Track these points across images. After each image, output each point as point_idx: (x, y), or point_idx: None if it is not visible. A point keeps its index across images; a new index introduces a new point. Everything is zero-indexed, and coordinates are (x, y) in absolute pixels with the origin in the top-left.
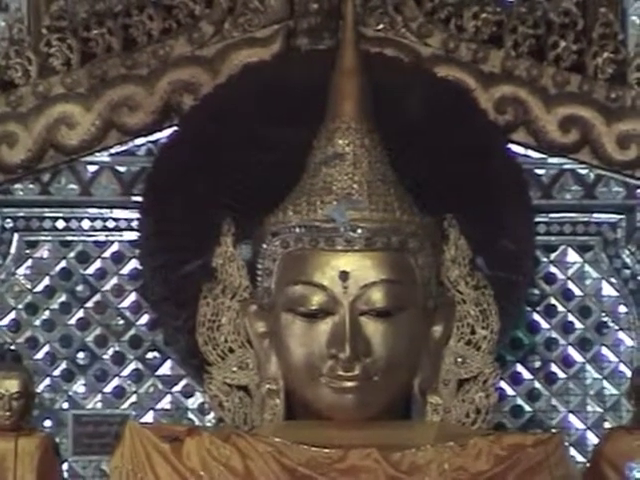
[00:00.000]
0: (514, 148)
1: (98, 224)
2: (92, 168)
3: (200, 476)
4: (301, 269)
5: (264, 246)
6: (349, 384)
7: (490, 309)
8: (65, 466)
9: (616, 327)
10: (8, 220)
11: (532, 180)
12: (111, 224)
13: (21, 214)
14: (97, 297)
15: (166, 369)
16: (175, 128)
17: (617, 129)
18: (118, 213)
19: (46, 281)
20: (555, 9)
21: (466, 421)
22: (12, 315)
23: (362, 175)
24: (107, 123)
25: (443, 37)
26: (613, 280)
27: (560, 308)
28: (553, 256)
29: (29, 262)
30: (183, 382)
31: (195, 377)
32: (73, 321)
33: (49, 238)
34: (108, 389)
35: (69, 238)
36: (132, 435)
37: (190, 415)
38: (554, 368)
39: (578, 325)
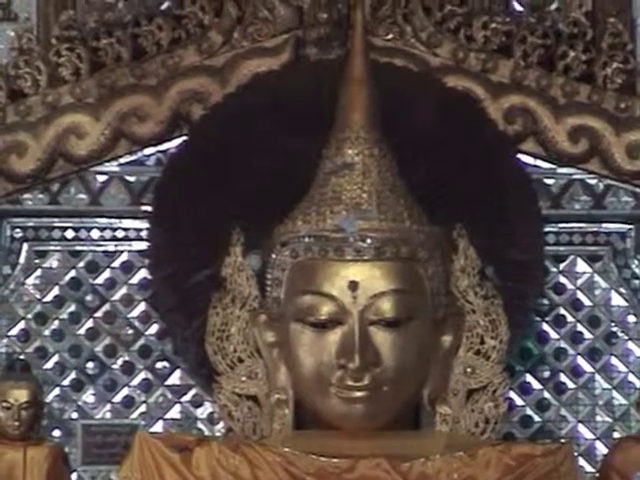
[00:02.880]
0: (523, 158)
1: (107, 234)
2: (101, 178)
3: None
4: (310, 279)
5: (273, 256)
6: (358, 394)
7: (499, 319)
8: (74, 476)
9: (625, 337)
10: (17, 230)
11: (541, 190)
12: (120, 234)
13: (30, 224)
14: (106, 307)
15: (175, 379)
16: (184, 138)
17: (626, 139)
18: (127, 223)
19: (55, 291)
20: (564, 19)
21: (475, 431)
22: (21, 325)
23: (371, 185)
24: (116, 133)
25: (452, 47)
26: (622, 290)
27: (569, 318)
28: (562, 266)
29: (38, 272)
30: (192, 392)
31: (204, 387)
32: (82, 331)
33: (58, 248)
34: (117, 399)
35: (78, 248)
36: (141, 445)
37: (199, 425)
38: (563, 378)
39: (587, 335)
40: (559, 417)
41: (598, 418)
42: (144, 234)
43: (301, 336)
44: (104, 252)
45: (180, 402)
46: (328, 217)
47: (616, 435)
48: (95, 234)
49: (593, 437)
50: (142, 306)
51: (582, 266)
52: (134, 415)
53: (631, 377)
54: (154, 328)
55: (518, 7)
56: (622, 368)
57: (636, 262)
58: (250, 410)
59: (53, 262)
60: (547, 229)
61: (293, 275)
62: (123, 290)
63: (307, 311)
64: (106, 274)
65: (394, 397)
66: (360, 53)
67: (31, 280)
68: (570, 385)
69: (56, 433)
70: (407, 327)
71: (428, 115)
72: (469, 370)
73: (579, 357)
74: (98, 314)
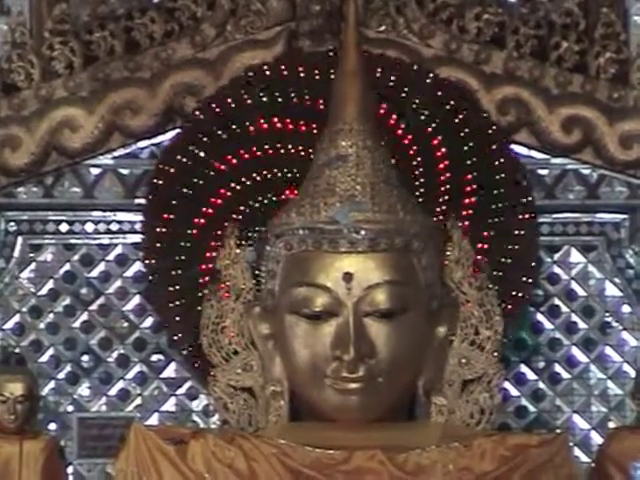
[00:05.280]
0: (517, 149)
1: (102, 227)
2: (95, 171)
3: (205, 478)
4: (305, 271)
5: (268, 248)
6: (353, 385)
7: (494, 310)
8: (70, 469)
9: (620, 327)
10: (12, 223)
11: (535, 181)
12: (115, 227)
13: (25, 217)
14: (101, 300)
15: (170, 371)
16: (178, 130)
17: (620, 129)
18: (121, 216)
19: (50, 284)
20: (557, 10)
21: (470, 422)
22: (16, 318)
23: (365, 176)
24: (110, 126)
25: (445, 38)
26: (617, 280)
27: (564, 308)
28: (557, 256)
29: (33, 265)
30: (187, 384)
31: (199, 379)
32: (77, 324)
33: (53, 241)
34: (113, 392)
35: (73, 241)
36: (137, 437)
37: (195, 417)
38: (558, 368)
39: (582, 325)
40: (554, 407)
41: (593, 408)
42: (138, 227)
43: (296, 328)
44: (98, 245)
45: (175, 395)
46: (322, 209)
47: (611, 425)
48: (89, 227)
49: (588, 427)
50: (137, 299)
51: (576, 256)
52: (129, 408)
53: (626, 367)
54: (149, 321)
55: None
56: (617, 358)
57: (630, 252)
58: (245, 402)
59: (48, 255)
60: (541, 219)
61: (287, 267)
62: (118, 283)
63: (302, 303)
64: (101, 267)
65: (389, 388)
66: (353, 45)
67: (26, 274)
68: (565, 375)
69: (52, 426)
70: (402, 318)
71: (421, 107)
72: (464, 361)
73: (574, 347)
74: (93, 307)
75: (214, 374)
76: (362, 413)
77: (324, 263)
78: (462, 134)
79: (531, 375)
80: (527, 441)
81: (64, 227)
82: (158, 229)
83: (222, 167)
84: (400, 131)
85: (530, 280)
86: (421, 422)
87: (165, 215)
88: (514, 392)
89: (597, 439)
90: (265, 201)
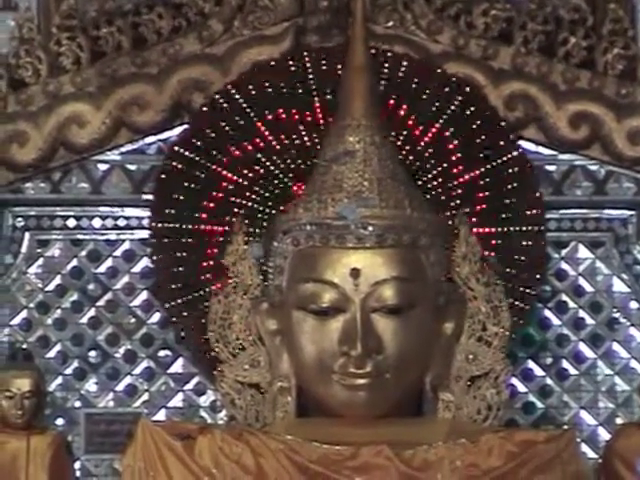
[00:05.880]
0: (524, 145)
1: (109, 222)
2: (103, 167)
3: (212, 474)
4: (312, 267)
5: (275, 244)
6: (361, 381)
7: (501, 306)
8: (77, 465)
9: (627, 323)
10: (19, 219)
11: (543, 176)
12: (122, 222)
13: (32, 213)
14: (108, 296)
15: (178, 367)
16: (185, 126)
17: (627, 125)
18: (129, 211)
19: (57, 280)
20: (565, 5)
21: (478, 418)
22: (24, 314)
23: (372, 172)
24: (117, 122)
25: (453, 34)
26: (624, 276)
27: (571, 304)
28: (564, 252)
29: (40, 261)
30: (195, 380)
31: (207, 375)
32: (85, 320)
33: (60, 237)
34: (120, 387)
35: (80, 237)
36: (144, 433)
37: (202, 413)
38: (565, 364)
39: (589, 321)
40: (562, 403)
41: (600, 404)
42: (146, 223)
43: (303, 324)
44: (106, 241)
45: (183, 390)
46: (329, 205)
47: (619, 421)
48: (97, 223)
49: (596, 423)
50: (144, 295)
51: (584, 252)
52: (137, 404)
53: (633, 363)
54: (156, 316)
55: None
56: (624, 354)
57: (638, 248)
58: (253, 398)
59: (55, 251)
60: (549, 215)
61: (295, 263)
62: (125, 279)
63: (309, 299)
64: (108, 263)
65: (396, 384)
66: (360, 41)
67: (33, 269)
68: (572, 371)
69: (59, 422)
70: (409, 314)
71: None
72: (471, 357)
73: (581, 343)
74: (100, 303)
75: (221, 370)
76: (369, 409)
77: (331, 259)
78: (470, 130)
79: (538, 371)
80: (534, 437)
81: (71, 223)
82: (165, 225)
83: (229, 163)
84: (411, 122)
85: (538, 276)
86: (428, 418)
87: (172, 211)
88: (521, 388)
89: (604, 435)
90: (271, 194)
